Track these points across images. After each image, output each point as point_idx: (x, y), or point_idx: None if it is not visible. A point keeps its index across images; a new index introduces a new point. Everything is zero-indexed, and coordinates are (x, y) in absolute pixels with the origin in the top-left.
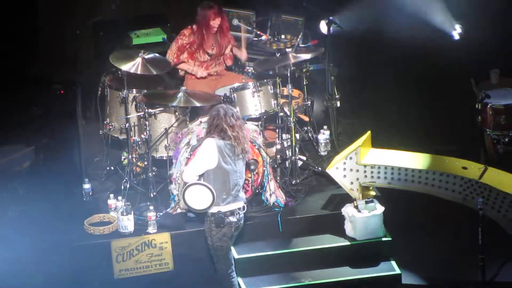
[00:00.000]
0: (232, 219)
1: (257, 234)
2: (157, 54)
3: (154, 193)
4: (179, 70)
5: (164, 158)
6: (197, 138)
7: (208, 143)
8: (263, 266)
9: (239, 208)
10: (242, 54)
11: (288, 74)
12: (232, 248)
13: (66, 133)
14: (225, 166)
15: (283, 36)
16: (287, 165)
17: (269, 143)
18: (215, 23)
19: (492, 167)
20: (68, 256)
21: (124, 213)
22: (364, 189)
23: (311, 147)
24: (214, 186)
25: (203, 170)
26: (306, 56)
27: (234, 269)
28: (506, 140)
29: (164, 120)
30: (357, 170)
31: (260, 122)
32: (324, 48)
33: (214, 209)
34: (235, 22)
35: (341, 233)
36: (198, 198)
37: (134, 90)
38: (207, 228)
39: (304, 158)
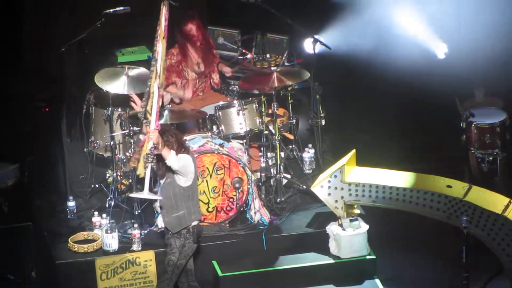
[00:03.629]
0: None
1: (242, 252)
2: (142, 68)
3: (139, 211)
4: (165, 96)
5: None
6: None
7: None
8: (248, 284)
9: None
10: (226, 70)
11: (273, 93)
12: (217, 265)
13: (51, 151)
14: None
15: (268, 55)
16: (272, 183)
17: (255, 170)
18: (190, 29)
19: (476, 186)
20: (52, 274)
21: (109, 231)
22: (349, 207)
23: (296, 165)
24: (193, 202)
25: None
26: (292, 81)
27: None
28: (491, 158)
29: None
30: (342, 189)
31: (245, 140)
32: (310, 67)
33: (193, 223)
34: (220, 40)
35: (326, 251)
36: None
37: (119, 108)
38: (179, 245)
39: (289, 176)
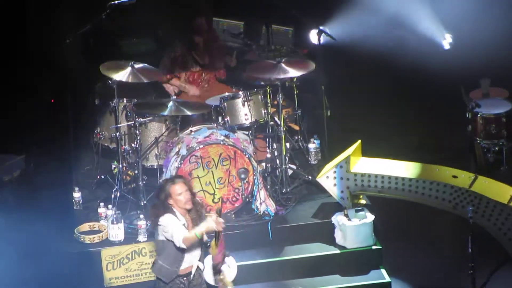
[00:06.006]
0: None
1: (248, 242)
2: (146, 64)
3: (145, 202)
4: (170, 87)
5: (155, 167)
6: (186, 147)
7: None
8: (254, 274)
9: None
10: (232, 61)
11: (279, 84)
12: None
13: (57, 142)
14: None
15: (273, 47)
16: (277, 174)
17: (259, 161)
18: (200, 23)
19: (482, 176)
20: (59, 265)
21: (115, 222)
22: (355, 197)
23: (301, 156)
24: None
25: None
26: (297, 72)
27: None
28: (496, 149)
29: (155, 129)
30: (348, 179)
31: (250, 131)
32: (315, 58)
33: None
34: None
35: (331, 241)
36: None
37: (124, 99)
38: None
39: (294, 167)
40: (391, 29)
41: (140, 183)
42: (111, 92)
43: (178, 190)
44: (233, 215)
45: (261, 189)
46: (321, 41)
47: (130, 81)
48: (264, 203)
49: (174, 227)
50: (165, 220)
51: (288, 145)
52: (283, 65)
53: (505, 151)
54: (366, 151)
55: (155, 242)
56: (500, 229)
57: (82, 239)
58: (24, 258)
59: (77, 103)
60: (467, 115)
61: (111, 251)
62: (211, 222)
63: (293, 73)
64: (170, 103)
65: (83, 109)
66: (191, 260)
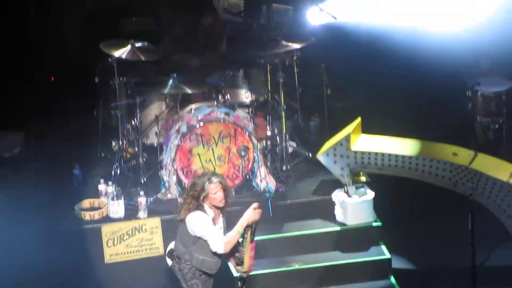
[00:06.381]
0: None
1: None
2: (146, 44)
3: (145, 179)
4: None
5: (155, 145)
6: (187, 125)
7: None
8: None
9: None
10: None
11: (279, 62)
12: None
13: (57, 119)
14: None
15: (273, 25)
16: (277, 151)
17: (260, 138)
18: (207, 20)
19: (482, 153)
20: (59, 241)
21: (115, 198)
22: (355, 174)
23: (301, 133)
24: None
25: None
26: (297, 46)
27: None
28: (496, 126)
29: (155, 107)
30: (348, 156)
31: (250, 109)
32: (315, 36)
33: None
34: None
35: (332, 218)
36: None
37: (124, 77)
38: None
39: (294, 144)
40: (391, 8)
41: (140, 160)
42: (111, 70)
43: (214, 190)
44: (233, 192)
45: (261, 166)
46: (322, 19)
47: (130, 58)
48: (265, 180)
49: (209, 232)
50: (196, 221)
51: (288, 122)
52: (283, 42)
53: (505, 129)
54: (366, 129)
55: (187, 235)
56: (500, 206)
57: (82, 216)
58: (23, 235)
59: (77, 81)
60: (467, 93)
61: (111, 227)
62: (255, 214)
63: (293, 46)
64: (170, 81)
65: (83, 87)
66: None
